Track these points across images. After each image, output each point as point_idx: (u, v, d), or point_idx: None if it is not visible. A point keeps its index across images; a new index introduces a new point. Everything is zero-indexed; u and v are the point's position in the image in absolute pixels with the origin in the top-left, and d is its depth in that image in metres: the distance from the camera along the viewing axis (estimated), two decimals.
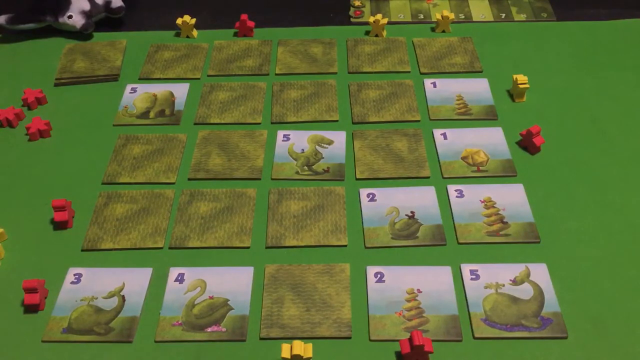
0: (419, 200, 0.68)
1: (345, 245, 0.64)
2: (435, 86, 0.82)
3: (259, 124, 0.78)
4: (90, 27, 0.91)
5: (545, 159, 0.73)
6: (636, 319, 0.57)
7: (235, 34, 0.92)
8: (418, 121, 0.78)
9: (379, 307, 0.58)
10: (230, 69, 0.86)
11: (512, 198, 0.68)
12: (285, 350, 0.53)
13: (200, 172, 0.72)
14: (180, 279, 0.61)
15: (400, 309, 0.58)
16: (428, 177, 0.71)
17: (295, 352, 0.52)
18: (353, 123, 0.78)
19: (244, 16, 0.91)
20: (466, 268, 0.61)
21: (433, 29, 0.93)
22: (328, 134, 0.76)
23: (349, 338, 0.56)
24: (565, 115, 0.78)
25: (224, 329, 0.57)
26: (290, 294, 0.59)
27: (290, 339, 0.56)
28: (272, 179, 0.71)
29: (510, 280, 0.60)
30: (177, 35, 0.93)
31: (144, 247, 0.64)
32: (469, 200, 0.68)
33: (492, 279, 0.60)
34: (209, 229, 0.66)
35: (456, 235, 0.65)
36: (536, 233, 0.65)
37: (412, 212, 0.67)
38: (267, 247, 0.64)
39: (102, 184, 0.71)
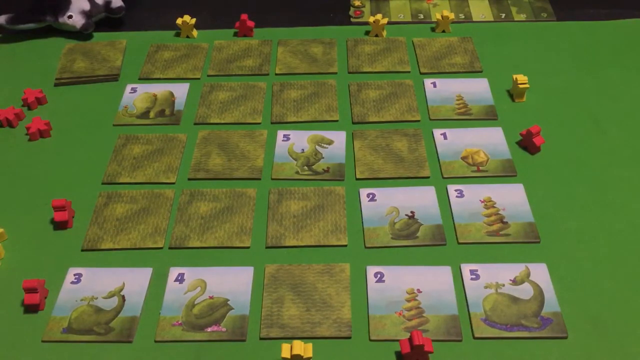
0: (419, 200, 0.68)
1: (345, 245, 0.64)
2: (435, 86, 0.82)
3: (259, 124, 0.78)
4: (90, 27, 0.91)
5: (545, 159, 0.73)
6: (636, 319, 0.57)
7: (235, 34, 0.92)
8: (418, 121, 0.78)
9: (379, 307, 0.58)
10: (230, 69, 0.86)
11: (512, 198, 0.68)
12: (285, 350, 0.53)
13: (200, 172, 0.72)
14: (180, 278, 0.61)
15: (400, 309, 0.58)
16: (428, 177, 0.71)
17: (295, 352, 0.52)
18: (353, 123, 0.78)
19: (244, 16, 0.91)
20: (466, 268, 0.61)
21: (433, 29, 0.93)
22: (328, 134, 0.76)
23: (349, 338, 0.56)
24: (565, 115, 0.78)
25: (224, 329, 0.57)
26: (290, 294, 0.59)
27: (290, 338, 0.56)
28: (272, 179, 0.71)
29: (510, 280, 0.60)
30: (177, 35, 0.93)
31: (144, 247, 0.64)
32: (469, 200, 0.68)
33: (492, 279, 0.60)
34: (209, 229, 0.66)
35: (456, 235, 0.65)
36: (536, 233, 0.65)
37: (412, 212, 0.67)
38: (267, 247, 0.64)
39: (102, 184, 0.71)
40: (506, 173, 0.71)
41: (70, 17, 0.90)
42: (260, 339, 0.56)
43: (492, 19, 0.95)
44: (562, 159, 0.72)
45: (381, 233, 0.65)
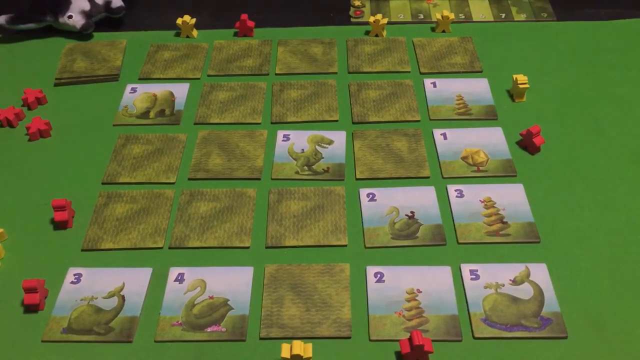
0: (419, 200, 0.68)
1: (345, 245, 0.64)
2: (435, 86, 0.82)
3: (259, 124, 0.78)
4: (90, 27, 0.91)
5: (545, 159, 0.73)
6: (636, 319, 0.57)
7: (235, 34, 0.92)
8: (418, 121, 0.78)
9: (379, 307, 0.58)
10: (230, 69, 0.86)
11: (512, 198, 0.68)
12: (285, 350, 0.53)
13: (200, 172, 0.72)
14: (180, 278, 0.61)
15: (400, 309, 0.58)
16: (428, 177, 0.71)
17: (295, 352, 0.52)
18: (353, 123, 0.78)
19: (244, 16, 0.91)
20: (466, 268, 0.61)
21: (433, 29, 0.93)
22: (328, 134, 0.76)
23: (349, 338, 0.56)
24: (565, 115, 0.78)
25: (223, 329, 0.57)
26: (290, 294, 0.59)
27: (290, 338, 0.56)
28: (272, 179, 0.71)
29: (510, 280, 0.60)
30: (177, 35, 0.93)
31: (144, 247, 0.64)
32: (468, 200, 0.68)
33: (492, 278, 0.60)
34: (208, 228, 0.66)
35: (456, 235, 0.65)
36: (536, 233, 0.64)
37: (412, 212, 0.67)
38: (267, 247, 0.64)
39: (102, 183, 0.71)
40: (506, 173, 0.71)
41: (70, 17, 0.90)
42: (260, 339, 0.56)
43: (492, 19, 0.95)
44: (562, 159, 0.72)
45: (381, 233, 0.65)
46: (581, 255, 0.63)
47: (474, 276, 0.61)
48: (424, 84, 0.83)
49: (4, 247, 0.64)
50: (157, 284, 0.61)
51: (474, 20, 0.95)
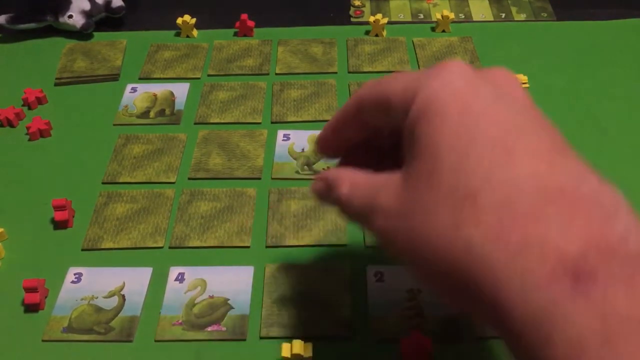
0: None
1: (346, 245, 0.64)
2: None
3: (259, 123, 0.78)
4: (91, 27, 0.91)
5: None
6: None
7: (236, 34, 0.93)
8: None
9: (379, 306, 0.58)
10: (230, 69, 0.86)
11: None
12: (286, 349, 0.53)
13: (201, 172, 0.72)
14: (180, 278, 0.61)
15: (401, 308, 0.58)
16: None
17: (295, 351, 0.53)
18: None
19: (244, 16, 0.91)
20: None
21: (433, 29, 0.93)
22: None
23: (349, 338, 0.56)
24: (565, 115, 0.78)
25: (224, 328, 0.57)
26: (291, 293, 0.59)
27: (290, 338, 0.56)
28: (272, 179, 0.71)
29: None
30: (178, 35, 0.93)
31: (144, 246, 0.64)
32: None
33: None
34: (209, 228, 0.66)
35: None
36: None
37: None
38: (267, 247, 0.64)
39: (103, 183, 0.71)
40: None
41: (70, 16, 0.90)
42: (261, 338, 0.57)
43: (492, 19, 0.95)
44: None
45: None
46: None
47: None
48: None
49: (4, 246, 0.64)
50: (158, 284, 0.61)
51: (474, 20, 0.95)
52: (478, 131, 0.33)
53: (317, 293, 0.59)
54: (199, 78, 0.85)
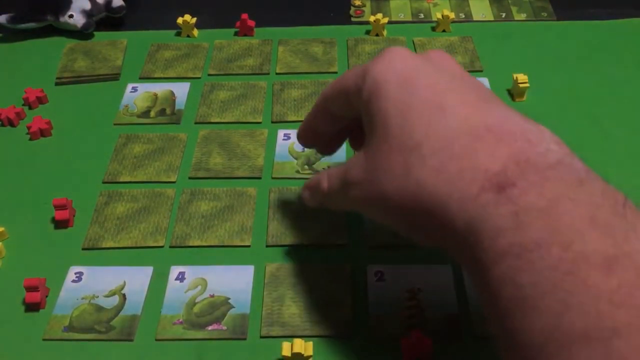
0: None
1: (346, 244, 0.64)
2: None
3: (260, 123, 0.78)
4: (91, 27, 0.91)
5: None
6: None
7: (236, 34, 0.93)
8: None
9: (379, 306, 0.58)
10: (230, 68, 0.86)
11: None
12: (286, 348, 0.53)
13: (201, 171, 0.72)
14: (181, 277, 0.61)
15: (401, 308, 0.58)
16: None
17: (295, 350, 0.53)
18: None
19: (244, 15, 0.91)
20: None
21: (433, 29, 0.93)
22: None
23: (349, 337, 0.56)
24: (565, 114, 0.78)
25: (224, 327, 0.57)
26: (291, 293, 0.59)
27: (290, 337, 0.56)
28: (273, 178, 0.71)
29: None
30: (178, 34, 0.93)
31: (145, 245, 0.64)
32: None
33: None
34: (209, 227, 0.66)
35: None
36: None
37: None
38: (267, 246, 0.64)
39: (103, 183, 0.71)
40: None
41: (71, 16, 0.90)
42: (261, 337, 0.57)
43: (492, 19, 0.95)
44: None
45: (382, 232, 0.65)
46: None
47: None
48: None
49: (5, 246, 0.65)
50: (158, 283, 0.61)
51: (474, 19, 0.95)
52: (415, 96, 0.41)
53: (317, 292, 0.60)
54: (199, 78, 0.85)
